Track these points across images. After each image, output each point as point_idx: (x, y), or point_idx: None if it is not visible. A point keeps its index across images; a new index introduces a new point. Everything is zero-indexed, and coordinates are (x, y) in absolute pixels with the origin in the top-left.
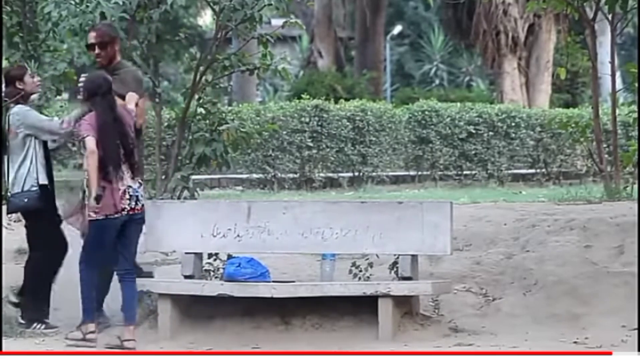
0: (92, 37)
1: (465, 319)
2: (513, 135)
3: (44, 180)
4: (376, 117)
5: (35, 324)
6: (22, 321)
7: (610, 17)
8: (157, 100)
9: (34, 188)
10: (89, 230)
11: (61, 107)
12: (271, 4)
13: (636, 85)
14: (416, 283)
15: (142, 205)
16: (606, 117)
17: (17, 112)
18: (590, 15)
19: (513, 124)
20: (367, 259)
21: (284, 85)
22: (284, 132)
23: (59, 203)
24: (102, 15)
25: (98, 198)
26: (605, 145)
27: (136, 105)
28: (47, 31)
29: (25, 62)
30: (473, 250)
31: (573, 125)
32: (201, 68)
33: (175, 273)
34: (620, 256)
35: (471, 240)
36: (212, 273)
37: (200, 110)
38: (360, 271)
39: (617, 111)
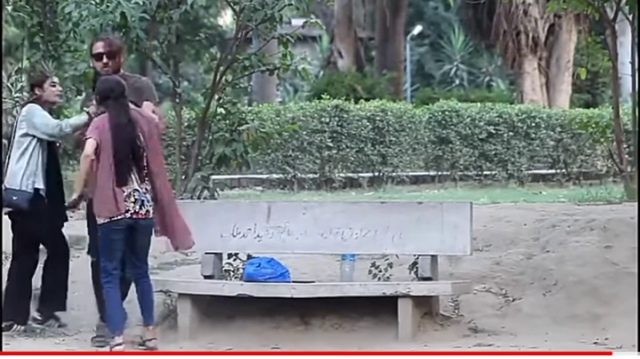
0: (99, 47)
1: (485, 319)
2: (533, 135)
3: (39, 184)
4: (396, 117)
5: (15, 326)
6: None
7: (630, 17)
8: (177, 100)
9: (27, 189)
10: (99, 237)
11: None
12: (291, 4)
13: None
14: (436, 283)
15: (148, 211)
16: (626, 117)
17: (25, 110)
18: (611, 15)
19: (533, 124)
20: (387, 259)
21: (304, 85)
22: (304, 132)
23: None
24: (122, 15)
25: (74, 203)
26: (625, 146)
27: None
28: (68, 31)
29: (45, 62)
30: (493, 250)
31: (593, 126)
32: (221, 68)
33: (195, 273)
34: None
35: (491, 240)
36: (231, 273)
37: (220, 110)
38: (380, 271)
39: (638, 111)
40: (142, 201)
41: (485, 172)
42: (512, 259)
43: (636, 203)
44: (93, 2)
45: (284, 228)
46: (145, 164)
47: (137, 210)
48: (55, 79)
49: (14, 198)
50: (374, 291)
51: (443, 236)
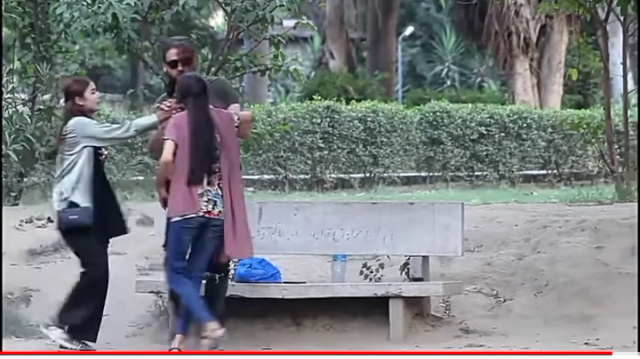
0: (173, 54)
1: (476, 320)
2: (524, 136)
3: (85, 202)
4: (387, 118)
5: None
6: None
7: (622, 18)
8: None
9: (85, 205)
10: (168, 233)
11: None
12: (283, 5)
13: None
14: (427, 284)
15: (220, 211)
16: (618, 118)
17: (72, 124)
18: (602, 16)
19: (524, 125)
20: (378, 260)
21: (296, 86)
22: (296, 133)
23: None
24: (114, 16)
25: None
26: (616, 146)
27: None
28: (59, 32)
29: (37, 63)
30: (484, 251)
31: (584, 126)
32: (213, 69)
33: None
34: (632, 257)
35: (482, 241)
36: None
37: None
38: (371, 272)
39: (629, 112)
40: (215, 201)
41: (476, 173)
42: (503, 260)
43: (636, 203)
44: (84, 3)
45: (275, 229)
46: (220, 165)
47: (209, 210)
48: (93, 85)
49: (73, 216)
50: (365, 292)
51: (434, 237)
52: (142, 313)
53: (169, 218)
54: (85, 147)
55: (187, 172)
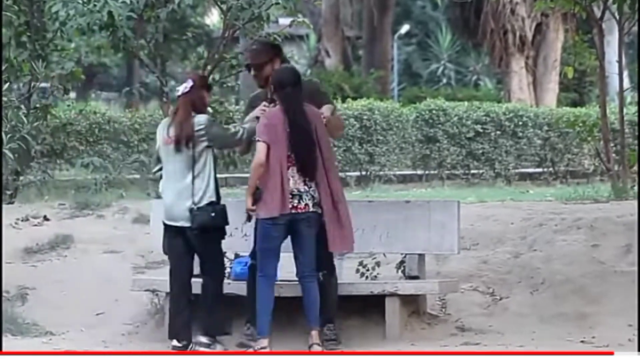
0: (246, 58)
1: (472, 318)
2: (520, 134)
3: (212, 197)
4: (383, 116)
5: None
6: (205, 341)
7: (617, 16)
8: (164, 99)
9: (218, 203)
10: (257, 233)
11: (68, 106)
12: (279, 3)
13: None
14: (423, 282)
15: (307, 204)
16: (614, 116)
17: (204, 121)
18: (598, 14)
19: (520, 123)
20: (375, 258)
21: None
22: None
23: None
24: (110, 14)
25: (255, 198)
26: (612, 144)
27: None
28: (55, 30)
29: (32, 61)
30: (480, 249)
31: (580, 124)
32: (208, 67)
33: None
34: (628, 255)
35: (478, 239)
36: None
37: (208, 109)
38: (368, 270)
39: (625, 110)
40: (300, 196)
41: (472, 171)
42: (499, 258)
43: (631, 201)
44: (80, 1)
45: None
46: (310, 161)
47: (295, 205)
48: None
49: (212, 215)
50: (362, 290)
51: (430, 235)
52: (138, 312)
53: (257, 219)
54: (208, 145)
55: (282, 167)
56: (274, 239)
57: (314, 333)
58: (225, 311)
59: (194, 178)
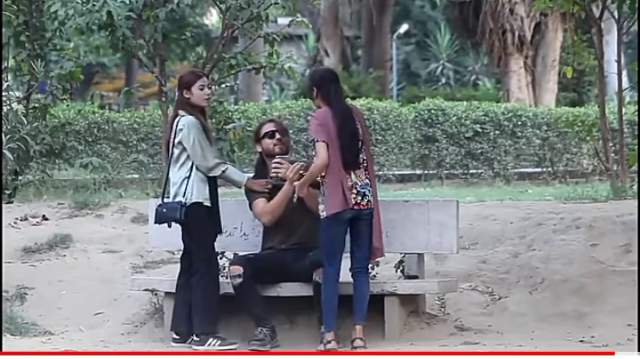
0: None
1: (471, 318)
2: (519, 133)
3: (198, 198)
4: (382, 116)
5: (210, 340)
6: (196, 339)
7: (616, 15)
8: (163, 99)
9: (183, 202)
10: (321, 230)
11: (67, 105)
12: (277, 3)
13: None
14: (422, 281)
15: (369, 201)
16: (612, 116)
17: (182, 122)
18: (597, 13)
19: (519, 123)
20: None
21: (290, 83)
22: (290, 131)
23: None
24: (109, 14)
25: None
26: (611, 144)
27: None
28: (54, 30)
29: (31, 60)
30: (479, 249)
31: (579, 124)
32: (207, 67)
33: None
34: (627, 255)
35: (477, 238)
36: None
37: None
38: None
39: (624, 110)
40: (364, 193)
41: (471, 171)
42: (498, 257)
43: (630, 201)
44: (79, 1)
45: None
46: (363, 157)
47: (358, 202)
48: (205, 80)
49: (164, 211)
50: None
51: (429, 235)
52: (137, 311)
53: (320, 217)
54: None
55: (339, 164)
56: (338, 235)
57: (359, 327)
58: (214, 311)
59: (167, 176)
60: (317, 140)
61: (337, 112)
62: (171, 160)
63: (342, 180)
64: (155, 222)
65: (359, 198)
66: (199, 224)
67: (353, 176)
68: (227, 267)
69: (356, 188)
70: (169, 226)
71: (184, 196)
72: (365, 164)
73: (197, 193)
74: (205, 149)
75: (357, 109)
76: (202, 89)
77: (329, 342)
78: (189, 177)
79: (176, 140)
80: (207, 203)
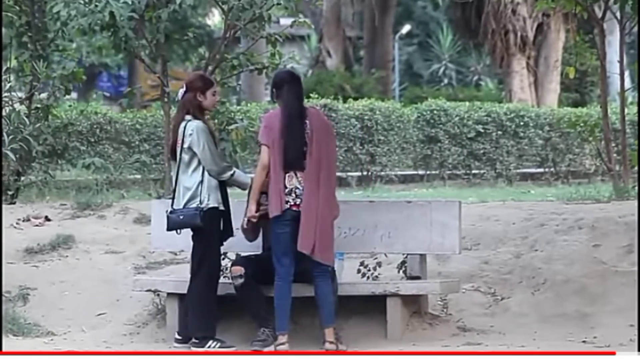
0: None
1: (473, 318)
2: (522, 134)
3: (214, 203)
4: (385, 117)
5: (210, 343)
6: (196, 341)
7: (619, 16)
8: (165, 99)
9: (201, 207)
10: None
11: (70, 106)
12: (280, 4)
13: None
14: (424, 282)
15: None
16: (615, 116)
17: (192, 127)
18: (599, 14)
19: (522, 123)
20: (376, 258)
21: None
22: None
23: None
24: (111, 15)
25: (252, 217)
26: (614, 144)
27: None
28: (56, 30)
29: (34, 61)
30: (481, 249)
31: (582, 125)
32: (210, 67)
33: (184, 273)
34: (629, 255)
35: (479, 239)
36: (220, 273)
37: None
38: (369, 270)
39: (626, 110)
40: (301, 194)
41: (473, 171)
42: (500, 258)
43: (633, 201)
44: (82, 2)
45: None
46: (306, 159)
47: (297, 203)
48: (217, 88)
49: (181, 217)
50: (363, 291)
51: (432, 236)
52: (139, 312)
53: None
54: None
55: (280, 166)
56: (281, 235)
57: (327, 330)
58: (212, 314)
59: (177, 181)
60: (261, 144)
61: (285, 113)
62: (181, 164)
63: (280, 184)
64: (169, 229)
65: (299, 200)
66: (212, 228)
67: (294, 179)
68: (228, 268)
69: (295, 192)
70: (178, 232)
71: (200, 201)
72: (318, 165)
73: (212, 197)
74: (214, 154)
75: (316, 111)
76: (214, 95)
77: (282, 344)
78: (201, 182)
79: (185, 146)
80: (222, 207)
